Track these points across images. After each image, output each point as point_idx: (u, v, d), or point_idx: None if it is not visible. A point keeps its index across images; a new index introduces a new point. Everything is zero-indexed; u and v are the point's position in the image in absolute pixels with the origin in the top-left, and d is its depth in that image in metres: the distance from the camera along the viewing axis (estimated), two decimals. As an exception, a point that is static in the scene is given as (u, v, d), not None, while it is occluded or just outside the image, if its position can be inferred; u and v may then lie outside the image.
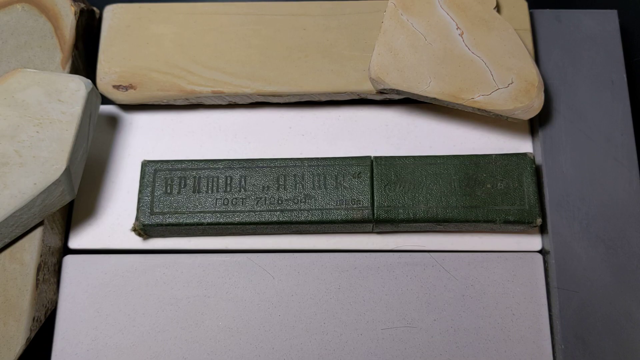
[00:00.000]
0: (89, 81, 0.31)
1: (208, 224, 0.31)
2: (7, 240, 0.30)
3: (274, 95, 0.34)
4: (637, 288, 0.31)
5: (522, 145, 0.35)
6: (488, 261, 0.32)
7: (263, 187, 0.32)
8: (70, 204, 0.34)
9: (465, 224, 0.31)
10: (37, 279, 0.30)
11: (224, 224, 0.31)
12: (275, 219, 0.31)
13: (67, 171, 0.29)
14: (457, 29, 0.32)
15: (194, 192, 0.32)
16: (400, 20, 0.32)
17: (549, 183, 0.33)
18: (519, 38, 0.33)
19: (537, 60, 0.35)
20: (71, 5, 0.34)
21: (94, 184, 0.34)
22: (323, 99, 0.35)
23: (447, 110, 0.35)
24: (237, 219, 0.31)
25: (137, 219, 0.31)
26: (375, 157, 0.32)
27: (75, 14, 0.34)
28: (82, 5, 0.35)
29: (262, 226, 0.31)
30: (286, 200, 0.31)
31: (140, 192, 0.32)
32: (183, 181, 0.32)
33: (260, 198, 0.32)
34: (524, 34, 0.35)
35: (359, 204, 0.31)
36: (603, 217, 0.32)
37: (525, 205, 0.31)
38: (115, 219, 0.33)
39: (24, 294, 0.30)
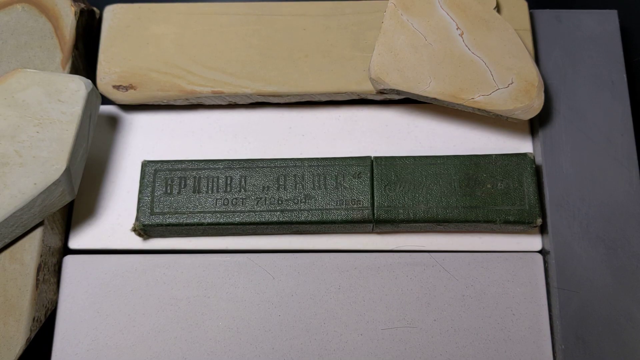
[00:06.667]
0: (89, 81, 0.31)
1: (208, 224, 0.31)
2: (7, 240, 0.30)
3: (274, 95, 0.34)
4: (637, 288, 0.31)
5: (522, 145, 0.35)
6: (488, 261, 0.32)
7: (263, 187, 0.32)
8: (70, 204, 0.34)
9: (465, 224, 0.31)
10: (37, 279, 0.30)
11: (224, 224, 0.31)
12: (275, 219, 0.31)
13: (67, 171, 0.29)
14: (457, 29, 0.32)
15: (194, 192, 0.32)
16: (400, 21, 0.32)
17: (549, 183, 0.33)
18: (519, 38, 0.33)
19: (537, 60, 0.35)
20: (71, 5, 0.34)
21: (94, 184, 0.34)
22: (323, 99, 0.35)
23: (447, 110, 0.35)
24: (237, 219, 0.31)
25: (137, 219, 0.31)
26: (375, 157, 0.32)
27: (75, 14, 0.34)
28: (82, 5, 0.35)
29: (262, 226, 0.31)
30: (286, 200, 0.31)
31: (140, 192, 0.32)
32: (183, 181, 0.32)
33: (260, 198, 0.32)
34: (524, 34, 0.35)
35: (359, 204, 0.31)
36: (603, 217, 0.32)
37: (525, 206, 0.31)
38: (115, 219, 0.33)
39: (24, 294, 0.30)
